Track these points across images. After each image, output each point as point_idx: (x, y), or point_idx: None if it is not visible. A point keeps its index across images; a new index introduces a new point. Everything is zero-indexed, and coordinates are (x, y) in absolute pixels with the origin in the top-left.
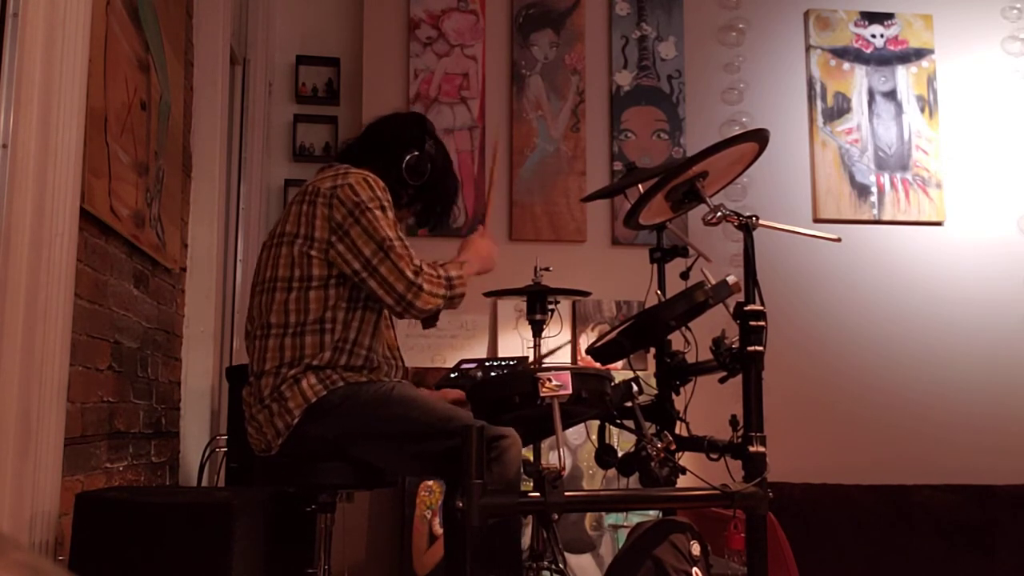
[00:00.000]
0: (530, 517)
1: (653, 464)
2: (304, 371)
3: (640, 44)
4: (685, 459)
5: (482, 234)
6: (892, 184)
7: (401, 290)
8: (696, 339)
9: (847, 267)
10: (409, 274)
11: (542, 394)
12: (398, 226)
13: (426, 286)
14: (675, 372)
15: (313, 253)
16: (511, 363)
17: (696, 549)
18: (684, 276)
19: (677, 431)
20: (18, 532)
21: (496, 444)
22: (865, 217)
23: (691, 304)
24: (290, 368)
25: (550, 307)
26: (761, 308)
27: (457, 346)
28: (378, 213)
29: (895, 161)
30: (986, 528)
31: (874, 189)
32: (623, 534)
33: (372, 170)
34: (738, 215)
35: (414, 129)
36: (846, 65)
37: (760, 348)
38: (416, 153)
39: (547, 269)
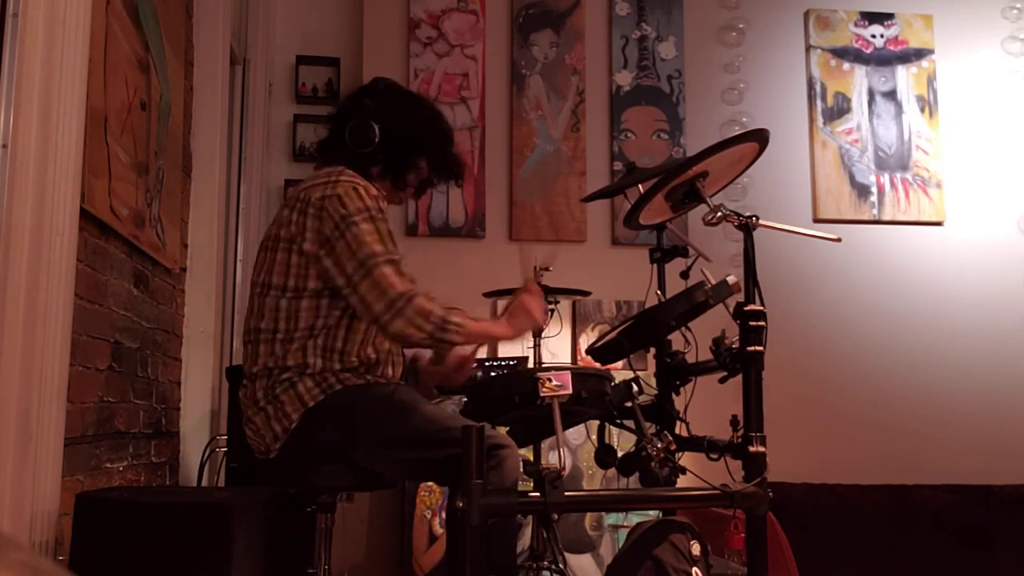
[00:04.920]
0: (530, 517)
1: (653, 464)
2: (299, 375)
3: (640, 44)
4: (685, 459)
5: (531, 292)
6: (892, 184)
7: (378, 311)
8: (696, 339)
9: (847, 267)
10: (392, 294)
11: (542, 394)
12: (392, 238)
13: (408, 311)
14: (675, 372)
15: (309, 268)
16: (511, 363)
17: (696, 549)
18: (684, 276)
19: (677, 431)
20: (18, 532)
21: (495, 453)
22: (865, 217)
23: (691, 304)
24: (283, 371)
25: (550, 307)
26: (761, 308)
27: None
28: (364, 227)
29: (895, 161)
30: (986, 528)
31: (874, 189)
32: (623, 534)
33: (346, 163)
34: (738, 215)
35: (353, 97)
36: (846, 65)
37: (760, 348)
38: (354, 121)
39: (547, 269)
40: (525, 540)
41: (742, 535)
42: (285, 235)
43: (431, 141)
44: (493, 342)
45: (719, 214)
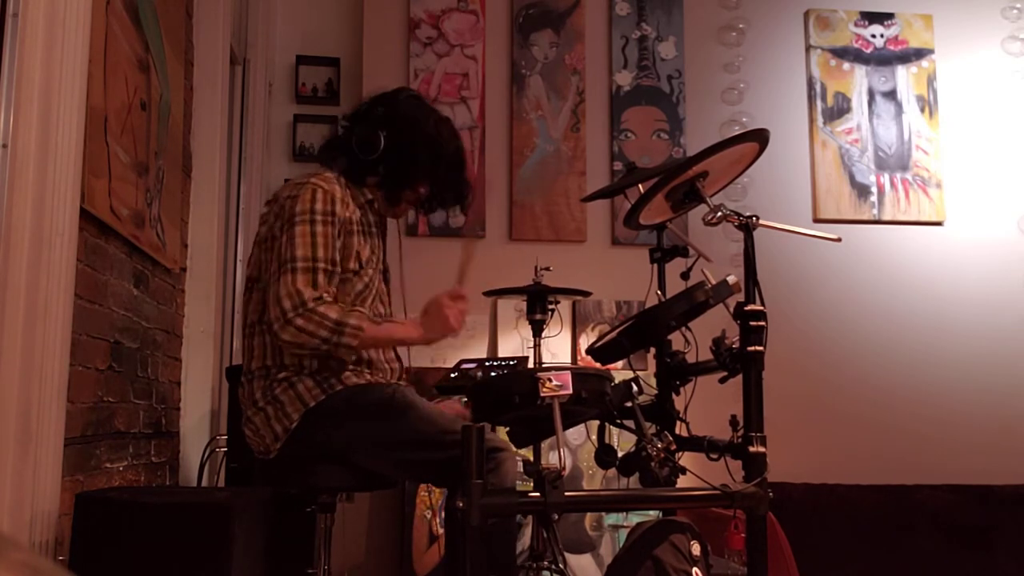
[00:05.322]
0: (530, 517)
1: (653, 464)
2: (298, 374)
3: (640, 44)
4: (685, 459)
5: (453, 297)
6: (892, 184)
7: (274, 315)
8: (696, 339)
9: (847, 267)
10: (287, 304)
11: (542, 394)
12: (329, 242)
13: (299, 321)
14: (675, 372)
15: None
16: (511, 363)
17: (696, 549)
18: (684, 276)
19: (677, 431)
20: (18, 532)
21: (493, 456)
22: (865, 217)
23: (691, 304)
24: (280, 370)
25: (550, 307)
26: (761, 308)
27: (457, 346)
28: (299, 228)
29: (895, 161)
30: (986, 528)
31: (874, 189)
32: (623, 534)
33: (343, 166)
34: (738, 215)
35: (370, 101)
36: (846, 65)
37: (760, 348)
38: (362, 128)
39: (547, 269)
40: (525, 540)
41: (742, 535)
42: (262, 231)
43: (433, 164)
44: (401, 346)
45: (719, 214)
